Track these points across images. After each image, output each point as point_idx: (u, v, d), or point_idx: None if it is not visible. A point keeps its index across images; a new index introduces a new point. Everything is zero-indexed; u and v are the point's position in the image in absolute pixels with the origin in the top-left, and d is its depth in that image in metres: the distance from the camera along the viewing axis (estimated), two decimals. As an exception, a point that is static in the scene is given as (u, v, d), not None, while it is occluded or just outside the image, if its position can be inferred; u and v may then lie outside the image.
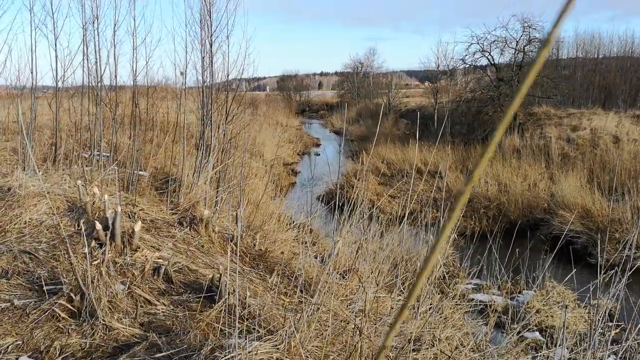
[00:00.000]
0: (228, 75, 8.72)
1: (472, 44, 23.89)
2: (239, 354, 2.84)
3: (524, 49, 23.10)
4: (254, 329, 3.71)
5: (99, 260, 4.41)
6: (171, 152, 10.36)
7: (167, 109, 11.09)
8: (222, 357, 2.90)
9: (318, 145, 30.71)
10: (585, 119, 21.18)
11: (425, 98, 32.07)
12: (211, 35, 7.19)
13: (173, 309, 4.23)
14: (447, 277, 10.73)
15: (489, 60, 24.13)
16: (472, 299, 9.31)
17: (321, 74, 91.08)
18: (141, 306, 4.17)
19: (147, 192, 8.88)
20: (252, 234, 6.96)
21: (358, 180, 17.87)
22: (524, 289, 10.36)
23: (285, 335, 3.07)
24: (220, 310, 3.85)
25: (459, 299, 9.08)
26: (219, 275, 4.47)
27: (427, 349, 5.84)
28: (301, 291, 5.85)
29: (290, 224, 10.78)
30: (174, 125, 9.48)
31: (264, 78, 78.13)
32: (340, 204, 10.81)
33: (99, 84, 8.05)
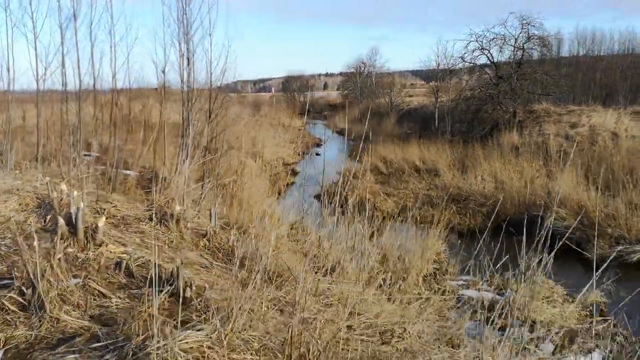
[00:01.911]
0: (211, 74, 8.73)
1: (470, 41, 23.86)
2: (164, 344, 2.84)
3: (523, 46, 23.02)
4: (207, 320, 3.71)
5: (52, 254, 4.42)
6: (158, 151, 10.41)
7: (151, 109, 11.13)
8: (151, 346, 2.90)
9: (319, 145, 30.70)
10: (584, 116, 21.06)
11: (428, 97, 32.02)
12: (187, 34, 7.21)
13: (129, 302, 4.23)
14: (437, 274, 10.67)
15: (488, 58, 24.06)
16: (461, 295, 9.26)
17: (326, 75, 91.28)
18: (95, 299, 4.18)
19: (132, 191, 8.92)
20: (228, 230, 6.96)
21: (353, 178, 17.86)
22: (513, 285, 10.25)
23: (218, 324, 3.06)
24: (163, 301, 3.86)
25: (446, 295, 9.04)
26: (177, 268, 4.47)
27: (397, 341, 5.83)
28: (278, 287, 5.84)
29: (279, 221, 10.78)
30: (161, 125, 9.51)
31: (270, 79, 78.31)
32: (332, 202, 10.80)
33: (80, 84, 8.10)
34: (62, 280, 4.06)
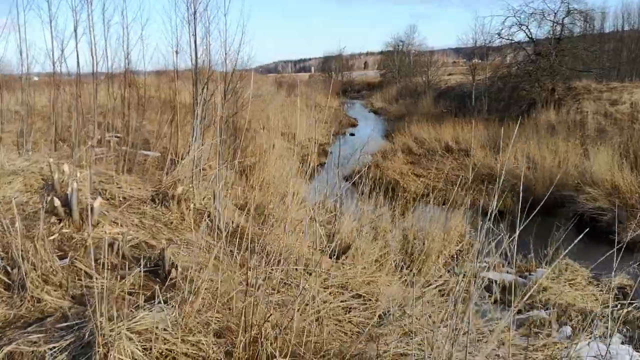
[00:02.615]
0: (226, 55, 8.71)
1: (508, 17, 23.22)
2: (111, 326, 2.84)
3: (562, 21, 22.26)
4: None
5: (36, 235, 4.49)
6: (180, 132, 10.46)
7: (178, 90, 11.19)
8: (106, 327, 2.91)
9: (354, 125, 30.52)
10: (626, 93, 20.30)
11: (466, 75, 31.39)
12: (194, 13, 7.20)
13: (114, 283, 4.27)
14: (459, 256, 10.44)
15: (526, 34, 23.36)
16: (482, 277, 9.07)
17: (367, 54, 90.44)
18: (80, 280, 4.23)
19: (150, 172, 9.01)
20: (234, 211, 6.95)
21: (382, 159, 17.68)
22: (537, 268, 10.00)
23: (177, 304, 3.05)
24: (133, 282, 3.88)
25: (465, 277, 8.84)
26: (162, 249, 4.49)
27: (395, 323, 5.76)
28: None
29: (302, 202, 10.73)
30: (175, 107, 9.55)
31: (310, 59, 78.15)
32: (357, 183, 10.72)
33: (96, 65, 8.18)
34: (46, 261, 4.12)
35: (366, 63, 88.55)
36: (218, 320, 3.23)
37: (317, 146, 21.15)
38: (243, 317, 2.91)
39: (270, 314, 3.02)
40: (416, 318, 5.80)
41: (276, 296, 4.21)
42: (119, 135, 10.78)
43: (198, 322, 3.12)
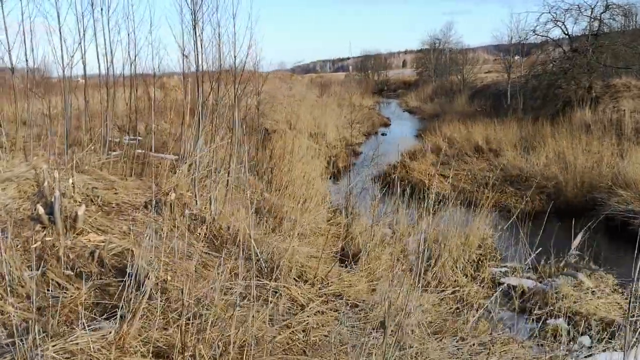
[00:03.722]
0: (235, 57, 8.61)
1: (543, 13, 22.56)
2: (45, 346, 2.72)
3: (600, 16, 21.48)
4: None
5: (8, 244, 4.43)
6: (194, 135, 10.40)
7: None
8: (41, 347, 2.80)
9: (387, 125, 30.14)
10: (669, 90, 19.49)
11: (501, 74, 30.70)
12: (194, 18, 7.10)
13: (79, 294, 4.19)
14: (480, 260, 10.05)
15: (562, 30, 22.64)
16: (501, 283, 8.76)
17: (406, 52, 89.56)
18: (49, 290, 4.16)
19: (161, 175, 8.98)
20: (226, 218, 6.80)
21: (410, 160, 17.32)
22: (560, 274, 9.58)
23: (117, 323, 2.92)
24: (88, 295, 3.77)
25: (483, 283, 8.54)
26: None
27: (392, 335, 5.55)
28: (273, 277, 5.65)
29: (322, 204, 10.57)
30: (184, 109, 9.50)
31: (348, 59, 77.88)
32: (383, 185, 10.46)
33: (106, 70, 8.19)
34: (14, 272, 4.06)
35: (405, 61, 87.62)
36: (161, 339, 3.09)
37: (346, 147, 20.99)
38: (179, 336, 2.76)
39: (208, 333, 2.86)
40: (411, 330, 5.59)
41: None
42: (138, 137, 10.79)
43: (140, 341, 2.99)
